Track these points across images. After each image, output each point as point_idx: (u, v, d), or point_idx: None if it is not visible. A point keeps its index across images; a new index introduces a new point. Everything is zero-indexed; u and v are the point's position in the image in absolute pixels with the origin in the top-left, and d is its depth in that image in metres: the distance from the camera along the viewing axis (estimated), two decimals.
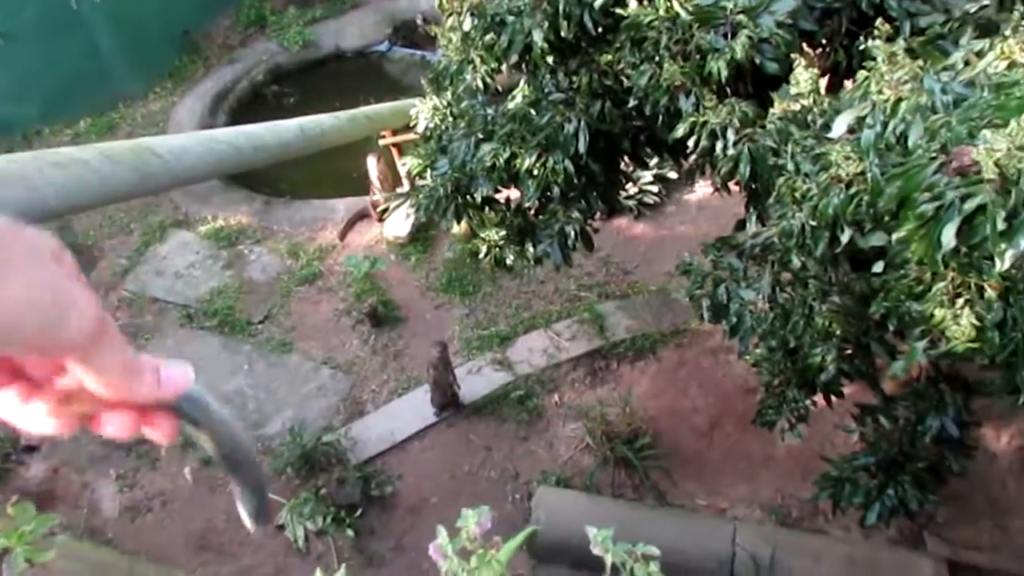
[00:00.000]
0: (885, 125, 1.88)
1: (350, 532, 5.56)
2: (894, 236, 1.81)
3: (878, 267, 2.09)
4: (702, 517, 5.54)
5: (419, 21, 10.08)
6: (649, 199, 7.42)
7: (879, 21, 2.29)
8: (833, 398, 3.76)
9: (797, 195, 2.28)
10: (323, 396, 6.44)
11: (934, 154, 1.64)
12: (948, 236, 1.62)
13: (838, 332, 2.73)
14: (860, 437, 3.84)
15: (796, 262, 2.42)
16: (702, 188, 7.63)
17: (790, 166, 2.36)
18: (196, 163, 2.99)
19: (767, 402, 3.94)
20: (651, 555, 1.28)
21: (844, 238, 2.09)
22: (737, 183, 3.88)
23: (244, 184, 8.24)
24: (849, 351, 3.14)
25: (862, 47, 2.53)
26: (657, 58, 2.71)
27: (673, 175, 7.50)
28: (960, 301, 1.84)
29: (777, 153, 2.46)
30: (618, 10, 2.81)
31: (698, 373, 6.36)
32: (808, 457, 5.69)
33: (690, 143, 2.75)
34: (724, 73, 2.54)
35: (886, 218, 1.89)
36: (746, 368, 6.35)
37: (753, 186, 3.09)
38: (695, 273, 3.17)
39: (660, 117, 2.88)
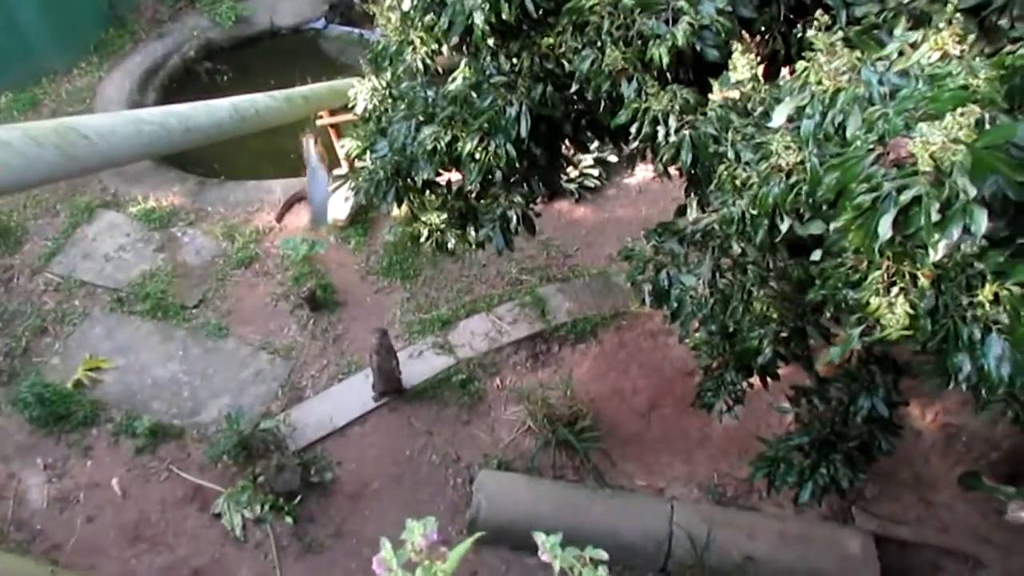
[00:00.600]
0: (824, 115, 1.91)
1: (289, 520, 5.48)
2: (832, 225, 1.85)
3: (816, 255, 2.13)
4: (641, 497, 5.64)
5: None
6: (590, 183, 7.45)
7: (818, 12, 2.32)
8: (769, 380, 3.86)
9: (738, 183, 2.30)
10: (261, 382, 6.31)
11: (872, 145, 1.68)
12: (885, 227, 1.66)
13: (775, 317, 2.79)
14: (795, 418, 3.95)
15: (736, 249, 2.45)
16: (642, 172, 7.70)
17: (731, 154, 2.38)
18: (124, 144, 2.86)
19: (706, 385, 4.01)
20: (599, 559, 1.28)
21: (783, 227, 2.13)
22: (678, 169, 3.92)
23: (176, 164, 7.98)
24: (785, 335, 3.21)
25: (800, 36, 2.56)
26: (599, 43, 2.70)
27: (614, 159, 7.55)
28: (895, 289, 1.89)
29: (718, 140, 2.48)
30: None
31: (638, 355, 6.44)
32: (743, 437, 5.84)
33: (632, 129, 2.75)
34: (666, 59, 2.54)
35: (824, 207, 1.92)
36: (684, 351, 6.47)
37: (693, 172, 3.11)
38: (637, 258, 3.19)
39: (602, 102, 2.88)
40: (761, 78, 2.87)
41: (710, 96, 2.68)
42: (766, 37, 2.83)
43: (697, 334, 3.84)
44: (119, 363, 6.42)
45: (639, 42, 2.63)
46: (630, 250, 3.23)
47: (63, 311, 6.76)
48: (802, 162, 1.99)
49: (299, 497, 5.58)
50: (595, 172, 7.44)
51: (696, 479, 5.80)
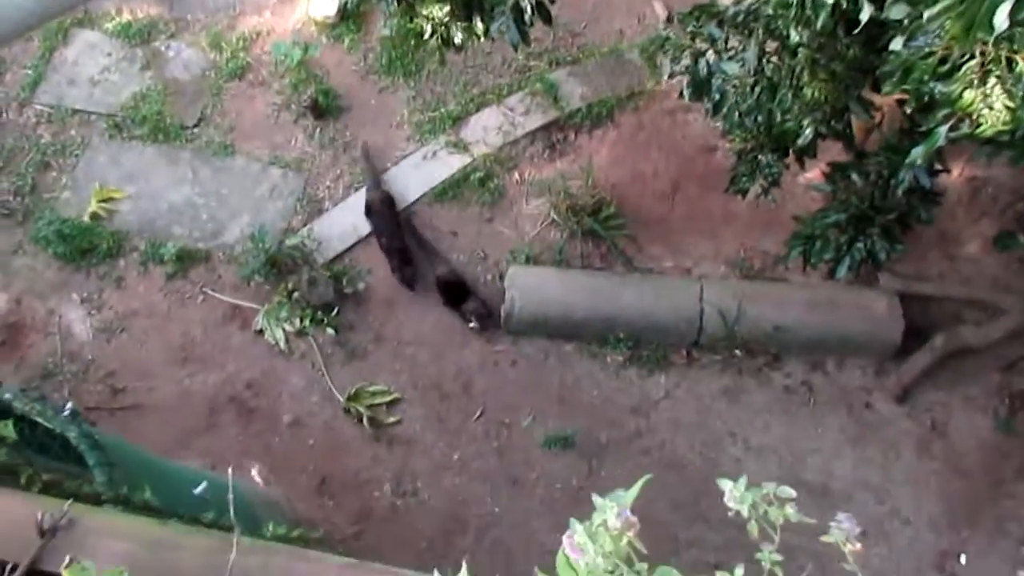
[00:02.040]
0: None
1: (330, 330, 5.65)
2: (927, 13, 1.64)
3: (896, 44, 1.93)
4: (670, 279, 5.74)
5: None
6: None
7: None
8: (806, 159, 3.76)
9: None
10: (278, 197, 6.23)
11: None
12: (1002, 17, 1.46)
13: (827, 101, 2.63)
14: (832, 195, 3.88)
15: (794, 35, 2.24)
16: None
17: None
18: None
19: (740, 169, 3.91)
20: (786, 497, 1.26)
21: (864, 14, 1.91)
22: None
23: None
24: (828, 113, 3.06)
25: None
26: None
27: None
28: (991, 80, 1.72)
29: None
30: None
31: (657, 136, 6.27)
32: (767, 211, 5.78)
33: None
34: None
35: None
36: (704, 127, 6.30)
37: None
38: (672, 46, 2.96)
39: None
40: None
41: None
42: None
43: (719, 115, 3.68)
44: (131, 191, 6.31)
45: None
46: (664, 38, 2.98)
47: (61, 143, 6.54)
48: None
49: (336, 308, 5.71)
50: None
51: (723, 255, 5.87)
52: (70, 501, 1.67)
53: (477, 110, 6.38)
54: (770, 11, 2.34)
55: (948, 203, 5.81)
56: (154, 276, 5.99)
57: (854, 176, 3.71)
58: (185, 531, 2.23)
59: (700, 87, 2.92)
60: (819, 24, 2.06)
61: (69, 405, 3.87)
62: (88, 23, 7.00)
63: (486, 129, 6.30)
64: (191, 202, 6.24)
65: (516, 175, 6.19)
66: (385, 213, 5.85)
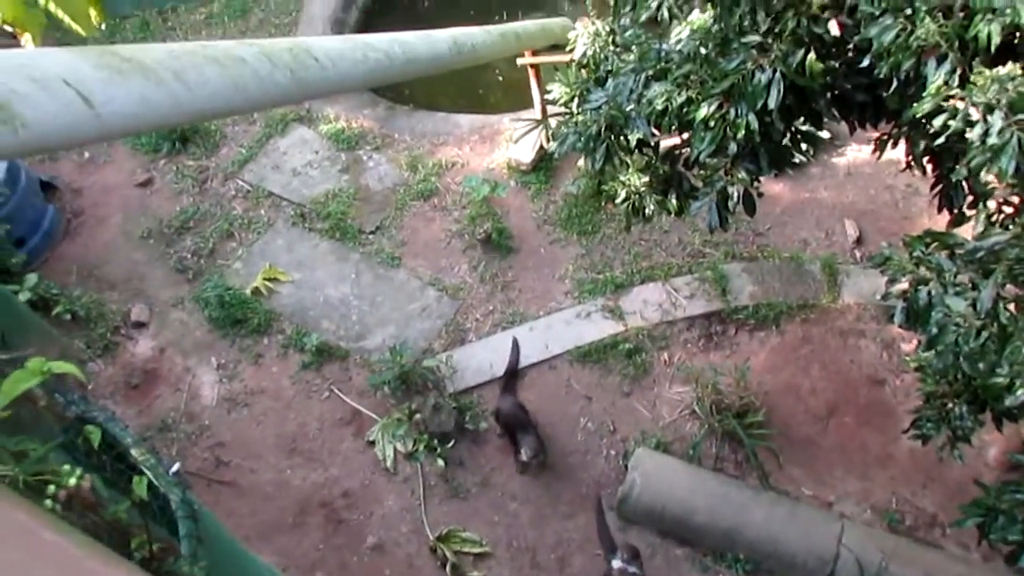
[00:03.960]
0: None
1: (440, 461, 5.46)
2: None
3: None
4: (807, 508, 5.21)
5: None
6: (794, 157, 6.80)
7: None
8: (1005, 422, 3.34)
9: None
10: (427, 317, 6.29)
11: None
12: None
13: None
14: None
15: None
16: (853, 152, 7.00)
17: None
18: (350, 71, 2.72)
19: (925, 413, 3.52)
20: None
21: None
22: (932, 162, 3.38)
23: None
24: None
25: None
26: (909, 10, 2.25)
27: (825, 134, 6.86)
28: None
29: None
30: None
31: (823, 353, 5.91)
32: (932, 463, 5.26)
33: (935, 122, 2.30)
34: (996, 39, 2.07)
35: None
36: (875, 356, 5.90)
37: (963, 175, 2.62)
38: (892, 268, 2.75)
39: (893, 83, 2.43)
40: None
41: None
42: None
43: (925, 353, 3.36)
44: (295, 277, 6.57)
45: (962, 15, 2.16)
46: (885, 257, 2.78)
47: (249, 218, 6.98)
48: None
49: (452, 441, 5.54)
50: (802, 146, 6.78)
51: (872, 499, 5.30)
52: None
53: (641, 282, 6.30)
54: (1019, 259, 2.12)
55: None
56: (291, 362, 6.09)
57: None
58: None
59: (916, 316, 2.66)
60: None
61: (176, 465, 3.83)
62: (307, 121, 7.63)
63: (646, 303, 6.18)
64: (346, 301, 6.40)
65: (665, 356, 5.97)
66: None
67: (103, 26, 3.30)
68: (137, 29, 8.48)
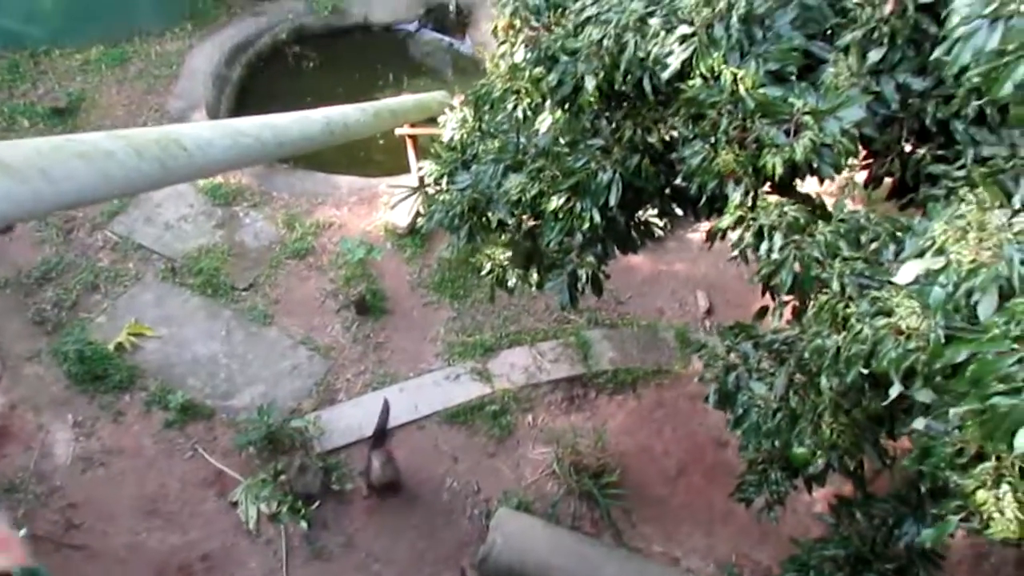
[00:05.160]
0: (957, 287, 1.84)
1: (303, 523, 5.49)
2: (952, 411, 1.77)
3: (919, 424, 2.05)
4: (656, 565, 5.55)
5: (452, 7, 9.89)
6: (652, 231, 7.35)
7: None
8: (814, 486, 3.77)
9: (838, 318, 2.24)
10: (297, 376, 6.33)
11: (1015, 344, 1.60)
12: (1022, 439, 1.57)
13: (844, 445, 2.71)
14: (834, 528, 3.84)
15: (824, 381, 2.38)
16: (705, 228, 7.58)
17: (835, 285, 2.32)
18: (220, 157, 2.87)
19: (748, 479, 3.92)
20: None
21: (893, 391, 2.05)
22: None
23: None
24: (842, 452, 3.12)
25: (927, 168, 2.48)
26: (713, 140, 2.65)
27: (680, 211, 7.44)
28: (1004, 486, 1.81)
29: (822, 265, 2.42)
30: (681, 84, 2.74)
31: (675, 416, 6.35)
32: (768, 522, 5.72)
33: (732, 236, 2.69)
34: (779, 170, 2.48)
35: (938, 377, 1.85)
36: (722, 419, 6.35)
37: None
38: (708, 355, 3.12)
39: (703, 196, 2.83)
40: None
41: (819, 221, 2.60)
42: (885, 158, 2.75)
43: (739, 429, 3.76)
44: (162, 332, 6.49)
45: (754, 147, 2.57)
46: (702, 344, 3.16)
47: (116, 271, 6.86)
48: (924, 330, 1.92)
49: (317, 502, 5.59)
50: (660, 222, 7.33)
51: (715, 555, 5.70)
52: None
53: (509, 346, 6.59)
54: (805, 354, 2.51)
55: (949, 564, 5.66)
56: (153, 420, 5.99)
57: (859, 515, 3.69)
58: None
59: (726, 398, 3.04)
60: (849, 379, 2.21)
61: (23, 531, 3.74)
62: None
63: (513, 366, 6.47)
64: (215, 358, 6.37)
65: (530, 417, 6.25)
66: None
67: None
68: (6, 71, 8.23)
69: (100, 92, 8.32)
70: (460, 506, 5.79)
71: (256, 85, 9.06)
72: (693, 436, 6.28)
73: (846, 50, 2.71)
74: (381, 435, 5.86)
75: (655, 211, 4.19)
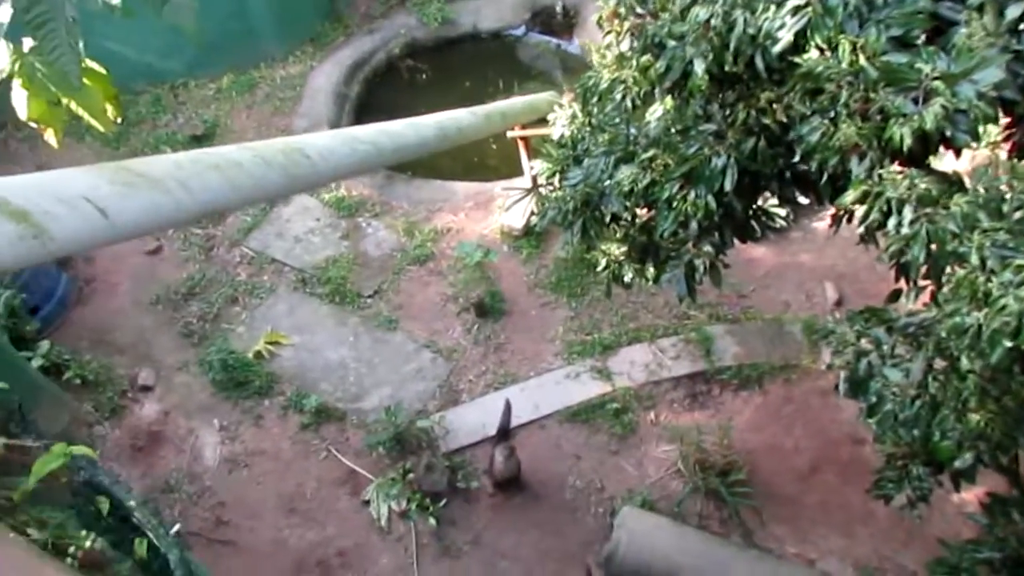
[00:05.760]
0: None
1: (432, 520, 5.62)
2: None
3: None
4: (791, 566, 5.34)
5: (559, 8, 9.93)
6: (775, 222, 7.08)
7: None
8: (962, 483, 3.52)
9: (979, 293, 2.08)
10: (421, 379, 6.51)
11: None
12: None
13: (993, 435, 2.52)
14: (987, 529, 3.58)
15: (965, 362, 2.22)
16: (831, 215, 7.25)
17: (974, 259, 2.15)
18: (339, 164, 3.01)
19: (887, 474, 3.70)
20: None
21: None
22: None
23: None
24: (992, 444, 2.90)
25: None
26: (832, 114, 2.53)
27: (804, 200, 7.15)
28: None
29: (959, 239, 2.25)
30: (795, 58, 2.64)
31: (805, 413, 6.09)
32: (911, 522, 5.38)
33: (858, 211, 2.56)
34: (908, 141, 2.34)
35: None
36: (855, 415, 6.03)
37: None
38: (837, 342, 2.98)
39: (824, 175, 2.71)
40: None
41: (954, 191, 2.42)
42: None
43: (873, 419, 3.56)
44: (296, 340, 6.82)
45: (878, 118, 2.44)
46: (829, 331, 3.02)
47: (253, 284, 7.27)
48: None
49: (444, 500, 5.71)
50: (782, 212, 7.07)
51: (853, 557, 5.42)
52: None
53: (629, 344, 6.53)
54: (942, 334, 2.35)
55: None
56: (290, 423, 6.30)
57: (1016, 515, 3.42)
58: None
59: (858, 386, 2.88)
60: (994, 358, 2.04)
61: (177, 526, 4.02)
62: (310, 190, 7.97)
63: (633, 363, 6.40)
64: (344, 363, 6.64)
65: (652, 415, 6.16)
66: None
67: (119, 120, 3.61)
68: (150, 105, 8.91)
69: (232, 117, 8.87)
70: (584, 504, 5.77)
71: (373, 100, 9.40)
72: (826, 432, 6.01)
73: (980, 8, 2.53)
74: (504, 432, 5.92)
75: (775, 199, 4.02)
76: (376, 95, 9.46)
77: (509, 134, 6.68)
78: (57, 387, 6.17)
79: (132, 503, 3.34)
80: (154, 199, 1.97)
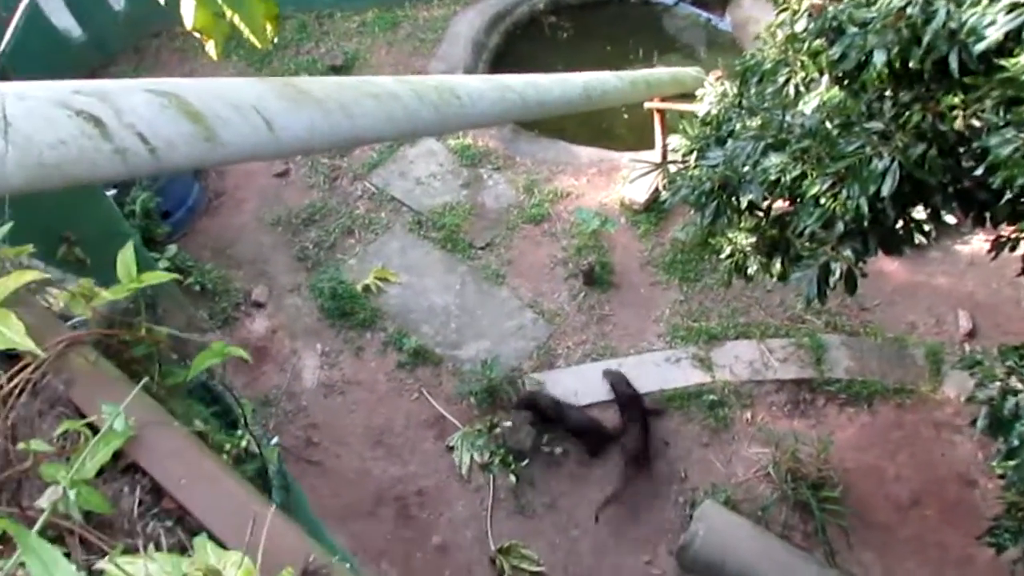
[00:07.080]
0: None
1: (512, 477, 5.65)
2: None
3: None
4: None
5: None
6: (914, 238, 6.66)
7: None
8: None
9: None
10: (521, 337, 6.51)
11: None
12: None
13: None
14: None
15: None
16: (979, 241, 6.77)
17: None
18: (487, 110, 2.97)
19: (1004, 523, 3.45)
20: None
21: None
22: None
23: None
24: None
25: None
26: None
27: (951, 219, 6.68)
28: None
29: None
30: (1000, 60, 2.40)
31: (914, 441, 5.77)
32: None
33: None
34: None
35: None
36: (970, 454, 5.72)
37: None
38: (983, 373, 2.76)
39: (1006, 194, 2.48)
40: None
41: None
42: None
43: (1012, 462, 3.30)
44: (404, 280, 6.93)
45: None
46: (976, 361, 2.79)
47: (370, 219, 7.40)
48: None
49: (527, 460, 5.73)
50: (925, 227, 6.64)
51: None
52: (337, 557, 1.64)
53: (736, 337, 6.33)
54: None
55: None
56: (388, 359, 6.43)
57: None
58: None
59: (1000, 425, 2.66)
60: None
61: (275, 439, 4.15)
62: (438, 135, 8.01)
63: (737, 358, 6.20)
64: (447, 310, 6.71)
65: (748, 414, 5.97)
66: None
67: (275, 39, 3.67)
68: (296, 31, 9.12)
69: (372, 52, 8.98)
70: (665, 491, 5.68)
71: (511, 52, 9.33)
72: (934, 467, 5.68)
73: None
74: (639, 405, 5.84)
75: (925, 213, 3.75)
76: (514, 48, 9.38)
77: (647, 105, 6.49)
78: (178, 291, 6.48)
79: (241, 411, 3.46)
80: (315, 119, 1.98)
